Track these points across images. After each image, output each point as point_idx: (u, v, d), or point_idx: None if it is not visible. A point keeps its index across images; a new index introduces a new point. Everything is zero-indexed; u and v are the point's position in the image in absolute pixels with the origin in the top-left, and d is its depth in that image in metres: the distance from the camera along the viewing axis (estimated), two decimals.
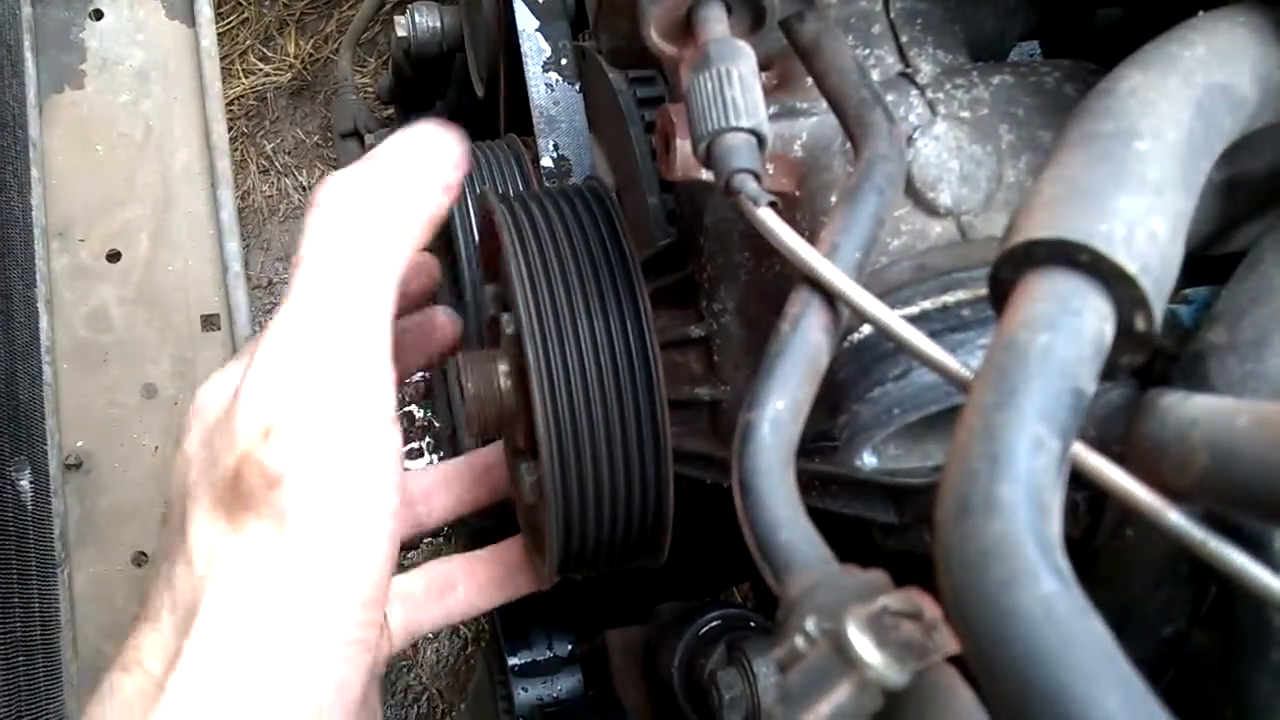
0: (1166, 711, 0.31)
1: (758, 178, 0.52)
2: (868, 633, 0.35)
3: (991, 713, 0.34)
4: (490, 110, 1.31)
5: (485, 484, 0.82)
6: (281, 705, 0.53)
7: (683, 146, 0.62)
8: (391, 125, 1.69)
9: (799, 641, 0.38)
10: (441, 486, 0.81)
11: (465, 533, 1.36)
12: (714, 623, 0.91)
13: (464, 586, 0.77)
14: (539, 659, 1.05)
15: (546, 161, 1.05)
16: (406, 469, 0.66)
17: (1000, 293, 0.43)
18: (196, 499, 0.57)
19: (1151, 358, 0.50)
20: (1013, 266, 0.43)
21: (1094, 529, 0.63)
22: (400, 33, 1.40)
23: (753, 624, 0.90)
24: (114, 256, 1.51)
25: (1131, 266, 0.41)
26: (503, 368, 0.74)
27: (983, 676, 0.33)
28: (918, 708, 0.36)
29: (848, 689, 0.36)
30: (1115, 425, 0.63)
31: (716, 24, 0.56)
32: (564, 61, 1.08)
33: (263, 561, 0.54)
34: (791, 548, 0.42)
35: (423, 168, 0.61)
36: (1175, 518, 0.39)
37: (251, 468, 0.54)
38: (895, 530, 0.83)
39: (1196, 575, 0.60)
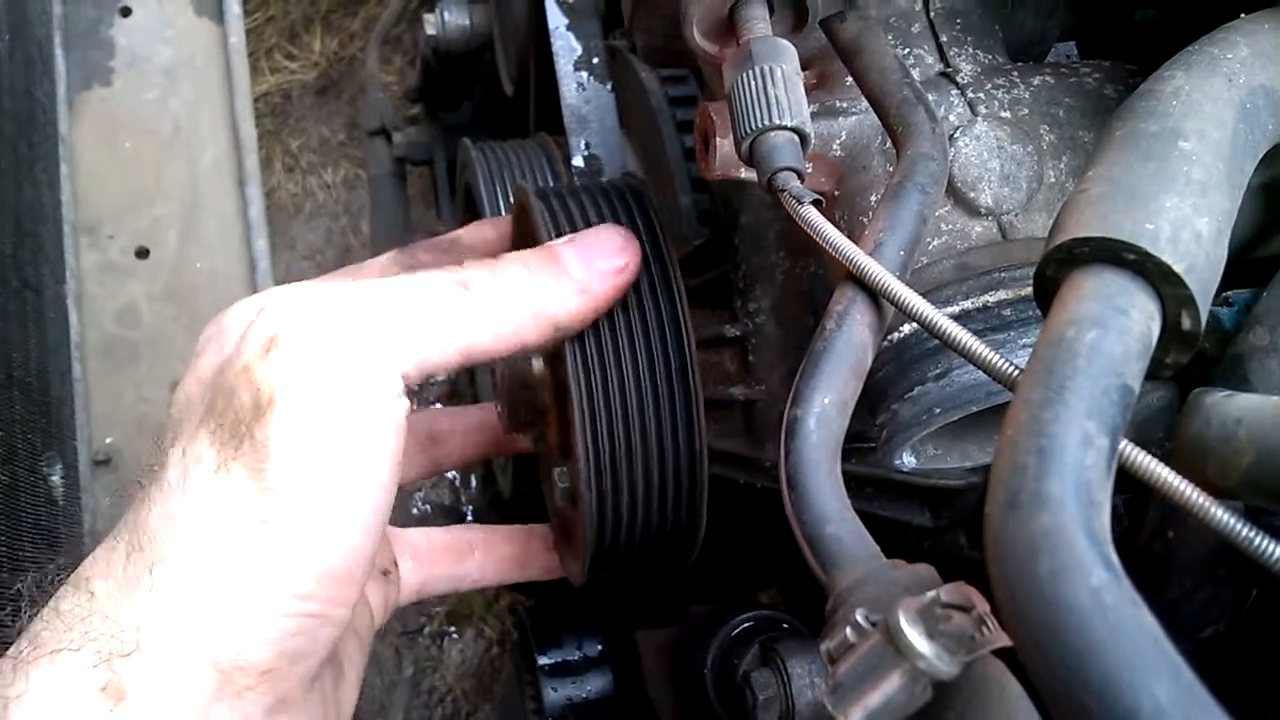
0: (1215, 700, 0.31)
1: (800, 176, 0.52)
2: (919, 624, 0.36)
3: (1042, 701, 0.34)
4: (518, 109, 1.31)
5: (505, 438, 0.82)
6: (227, 662, 0.50)
7: (723, 145, 0.62)
8: (418, 123, 1.70)
9: (848, 633, 0.38)
10: (462, 432, 0.81)
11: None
12: (747, 624, 0.91)
13: (481, 555, 0.78)
14: (569, 659, 1.05)
15: (578, 160, 1.06)
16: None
17: (1046, 290, 0.44)
18: (189, 417, 0.54)
19: (1191, 360, 0.50)
20: (1059, 264, 0.43)
21: (1134, 531, 0.63)
22: (429, 30, 1.41)
23: (786, 626, 0.90)
24: (143, 253, 1.52)
25: (1178, 265, 0.41)
26: (537, 362, 0.74)
27: (1033, 666, 0.33)
28: (966, 699, 0.37)
29: (898, 680, 0.36)
30: (1154, 428, 0.63)
31: (759, 23, 0.56)
32: (595, 60, 1.08)
33: (231, 513, 0.50)
34: (839, 541, 0.42)
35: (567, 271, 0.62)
36: (1221, 515, 0.39)
37: (245, 381, 0.51)
38: (931, 533, 0.83)
39: (1237, 577, 0.61)
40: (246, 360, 0.52)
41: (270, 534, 0.50)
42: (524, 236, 0.75)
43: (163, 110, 1.60)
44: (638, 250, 0.65)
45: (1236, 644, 0.62)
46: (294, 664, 0.52)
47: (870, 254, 0.49)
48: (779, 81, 0.53)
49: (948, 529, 0.84)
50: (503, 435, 0.80)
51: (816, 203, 0.51)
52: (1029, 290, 0.58)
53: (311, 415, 0.51)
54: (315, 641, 0.53)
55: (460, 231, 0.76)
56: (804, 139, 0.53)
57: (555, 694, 1.01)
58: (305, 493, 0.50)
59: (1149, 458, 0.40)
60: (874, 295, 0.49)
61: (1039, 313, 0.58)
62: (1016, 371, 0.43)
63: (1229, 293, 0.62)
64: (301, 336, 0.52)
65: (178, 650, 0.50)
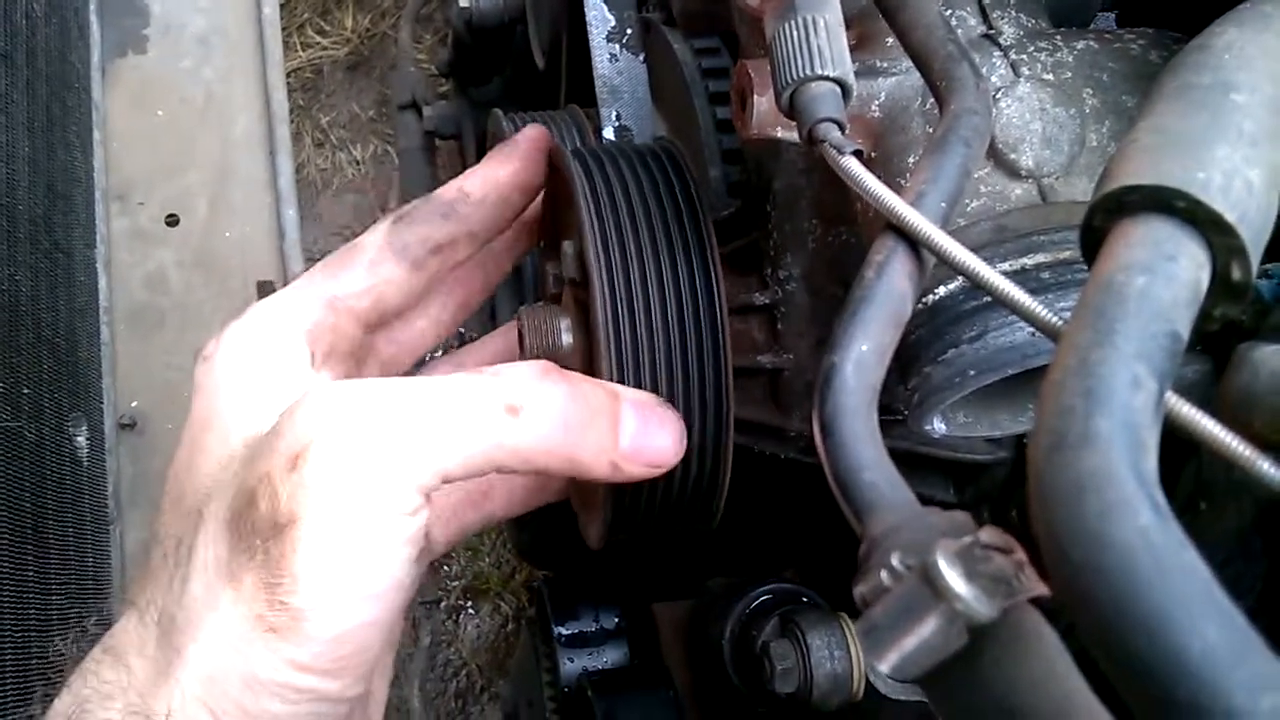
0: (1264, 642, 0.31)
1: (842, 127, 0.52)
2: (958, 565, 0.35)
3: (1085, 643, 0.33)
4: (549, 83, 1.31)
5: (551, 483, 0.79)
6: None
7: (760, 102, 0.61)
8: (449, 98, 1.70)
9: (884, 576, 0.37)
10: (505, 478, 0.77)
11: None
12: (766, 596, 0.91)
13: (500, 492, 0.75)
14: (585, 630, 1.06)
15: (608, 132, 1.05)
16: None
17: (1093, 241, 0.43)
18: (212, 510, 0.54)
19: (1229, 332, 0.50)
20: (1107, 213, 0.42)
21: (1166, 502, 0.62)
22: (463, 3, 1.41)
23: (805, 599, 0.90)
24: (173, 220, 1.53)
25: (1229, 214, 0.40)
26: (564, 323, 0.73)
27: (1078, 609, 0.33)
28: (1003, 645, 0.36)
29: (934, 622, 0.35)
30: (1190, 401, 0.62)
31: None
32: (628, 32, 1.08)
33: (241, 621, 0.51)
34: (875, 487, 0.42)
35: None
36: (1269, 468, 0.39)
37: (266, 491, 0.51)
38: (955, 508, 0.82)
39: (1270, 551, 0.60)
40: (270, 469, 0.51)
41: (274, 640, 0.51)
42: (557, 199, 0.74)
43: (196, 79, 1.61)
44: (682, 450, 0.62)
45: (1268, 620, 0.61)
46: None
47: (911, 204, 0.48)
48: (821, 31, 0.52)
49: (972, 504, 0.83)
50: (546, 484, 0.78)
51: (858, 153, 0.51)
52: (1069, 254, 0.57)
53: (325, 538, 0.50)
54: (330, 716, 0.54)
55: (467, 184, 0.70)
56: (846, 90, 0.53)
57: (571, 665, 1.01)
58: (311, 608, 0.51)
59: (1194, 409, 0.40)
60: (914, 246, 0.48)
61: (1078, 276, 0.57)
62: (1060, 322, 0.43)
63: (1268, 265, 0.61)
64: (328, 453, 0.51)
65: None
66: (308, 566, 0.50)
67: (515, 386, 0.56)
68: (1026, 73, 0.61)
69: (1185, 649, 0.30)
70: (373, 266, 0.66)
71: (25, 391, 1.12)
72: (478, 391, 0.55)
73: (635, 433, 0.60)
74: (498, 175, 0.70)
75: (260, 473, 0.51)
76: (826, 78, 0.52)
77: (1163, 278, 0.38)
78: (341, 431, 0.51)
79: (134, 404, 1.41)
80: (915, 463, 0.81)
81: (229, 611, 0.51)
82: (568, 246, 0.69)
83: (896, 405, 0.64)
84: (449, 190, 0.70)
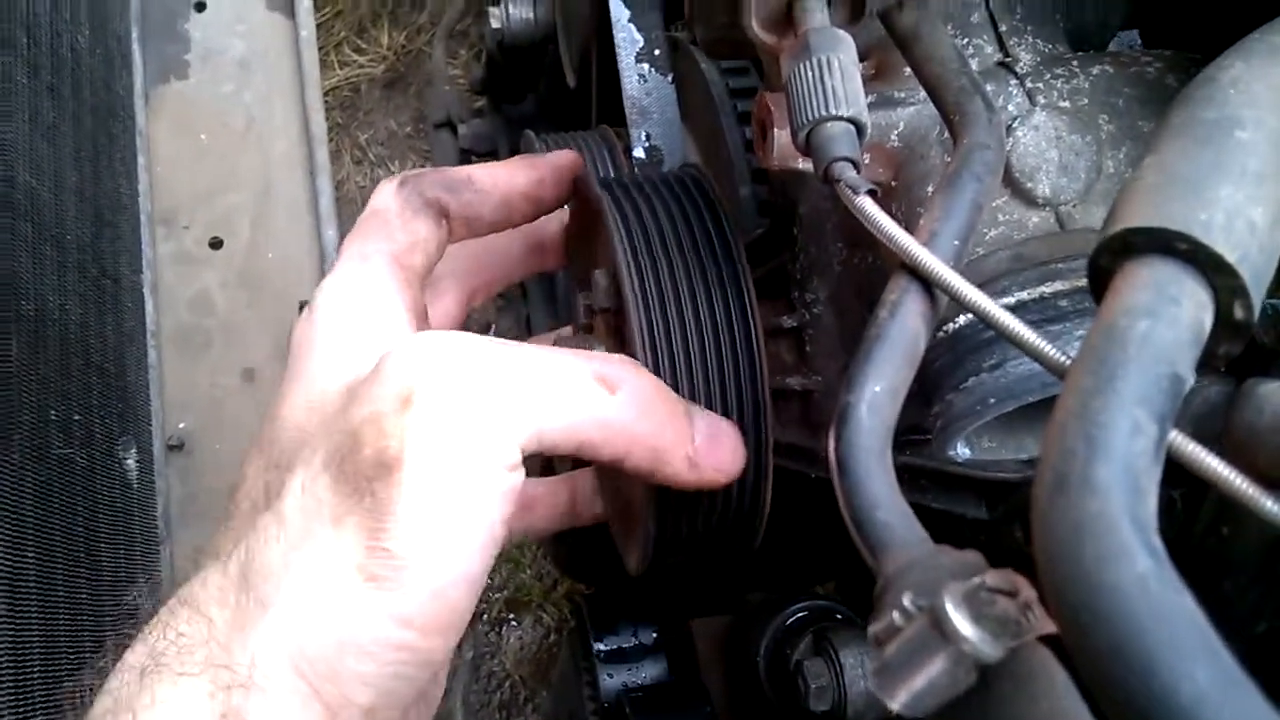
0: (1255, 686, 0.32)
1: (856, 166, 0.53)
2: (964, 608, 0.36)
3: (1085, 685, 0.34)
4: (581, 101, 1.33)
5: (586, 507, 0.80)
6: (334, 701, 0.50)
7: (780, 135, 0.63)
8: (483, 116, 1.73)
9: (895, 616, 0.39)
10: (548, 495, 0.79)
11: None
12: (801, 614, 0.92)
13: (540, 508, 0.77)
14: (624, 646, 1.07)
15: (639, 152, 1.06)
16: None
17: (1099, 281, 0.44)
18: (309, 455, 0.53)
19: (1250, 353, 0.50)
20: (1112, 255, 0.43)
21: (1189, 526, 0.63)
22: (494, 24, 1.43)
23: (839, 616, 0.91)
24: (216, 243, 1.56)
25: (1231, 255, 0.41)
26: (599, 352, 0.75)
27: (1076, 650, 0.34)
28: (1012, 684, 0.37)
29: (943, 663, 0.36)
30: (1212, 422, 0.63)
31: (817, 14, 0.57)
32: (657, 52, 1.09)
33: (339, 567, 0.50)
34: (888, 526, 0.43)
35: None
36: (1272, 506, 0.39)
37: (374, 432, 0.50)
38: (986, 526, 0.83)
39: None
40: (379, 408, 0.51)
41: (375, 591, 0.50)
42: (585, 228, 0.76)
43: (236, 103, 1.64)
44: (743, 459, 0.65)
45: None
46: (395, 698, 0.53)
47: (924, 244, 0.49)
48: (836, 72, 0.53)
49: (1003, 522, 0.83)
50: (580, 507, 0.79)
51: (872, 193, 0.52)
52: (1086, 281, 0.58)
53: (431, 483, 0.50)
54: (414, 681, 0.53)
55: (478, 173, 0.71)
56: (860, 129, 0.54)
57: (611, 680, 1.03)
58: (412, 556, 0.50)
59: (1198, 447, 0.40)
60: (927, 284, 0.49)
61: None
62: (1068, 361, 0.43)
63: None
64: (436, 396, 0.51)
65: (288, 687, 0.50)
66: (410, 510, 0.50)
67: (610, 366, 0.58)
68: (1043, 100, 0.62)
69: (1176, 692, 0.31)
70: (405, 225, 0.66)
71: (76, 418, 1.15)
72: (576, 362, 0.57)
73: (706, 435, 0.62)
74: (512, 179, 0.71)
75: (367, 413, 0.51)
76: (841, 118, 0.53)
77: (1165, 321, 0.39)
78: (450, 376, 0.52)
79: (181, 425, 1.44)
80: (946, 482, 0.81)
81: (327, 557, 0.50)
82: (600, 277, 0.70)
83: (926, 426, 0.65)
84: (460, 171, 0.70)
